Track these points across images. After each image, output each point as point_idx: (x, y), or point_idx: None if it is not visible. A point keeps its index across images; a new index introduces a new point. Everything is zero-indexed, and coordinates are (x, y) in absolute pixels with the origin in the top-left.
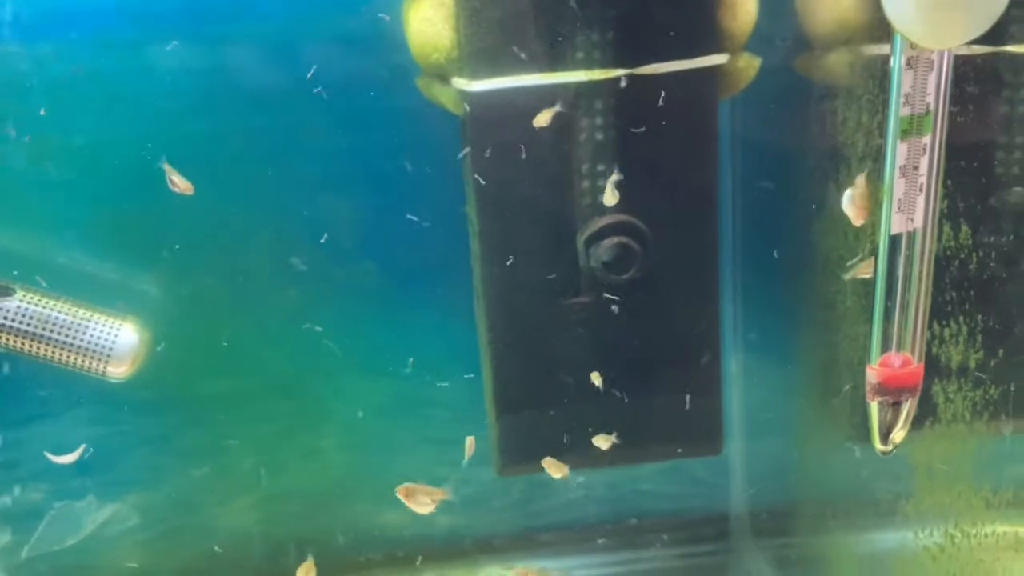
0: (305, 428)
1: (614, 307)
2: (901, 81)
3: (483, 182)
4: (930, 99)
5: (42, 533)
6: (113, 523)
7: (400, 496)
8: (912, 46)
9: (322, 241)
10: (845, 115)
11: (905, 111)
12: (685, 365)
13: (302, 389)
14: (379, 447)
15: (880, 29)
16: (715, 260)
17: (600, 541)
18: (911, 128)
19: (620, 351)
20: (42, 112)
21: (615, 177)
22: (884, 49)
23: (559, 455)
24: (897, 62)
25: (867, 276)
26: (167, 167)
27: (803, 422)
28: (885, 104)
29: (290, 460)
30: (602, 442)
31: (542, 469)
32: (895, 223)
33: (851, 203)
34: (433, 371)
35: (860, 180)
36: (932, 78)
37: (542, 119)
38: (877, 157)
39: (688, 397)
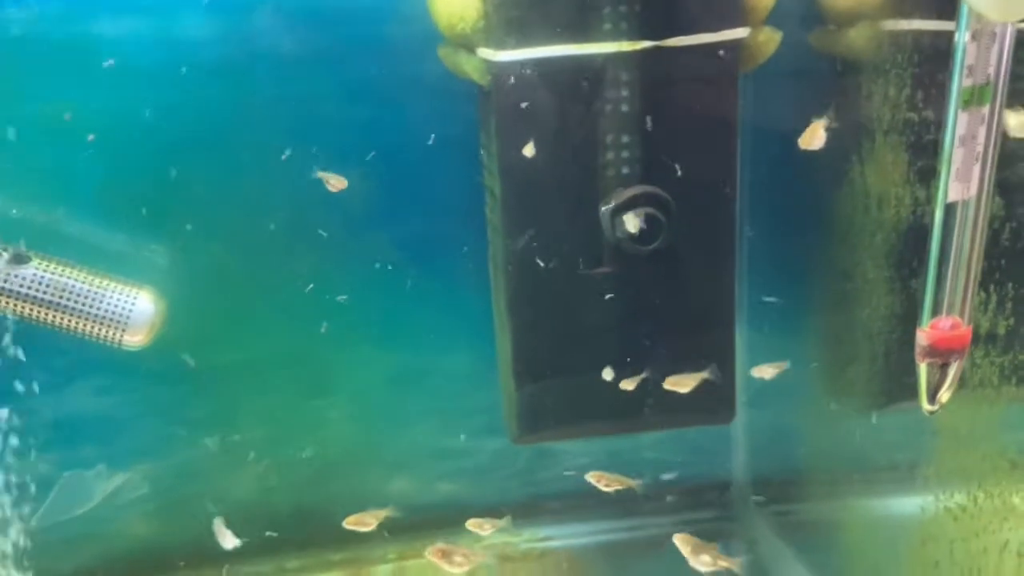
0: (314, 398)
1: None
2: (965, 53)
3: (508, 151)
4: (991, 71)
5: (52, 502)
6: (123, 492)
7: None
8: (977, 19)
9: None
10: (870, 89)
11: (967, 82)
12: (700, 335)
13: (312, 359)
14: (388, 417)
15: (902, 3)
16: (732, 231)
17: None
18: (972, 99)
19: (637, 321)
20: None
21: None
22: (912, 24)
23: (575, 424)
24: (962, 34)
25: None
26: (322, 174)
27: (813, 391)
28: (916, 77)
29: (299, 430)
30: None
31: (556, 438)
32: (952, 191)
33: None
34: (443, 342)
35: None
36: (994, 50)
37: (528, 150)
38: (904, 130)
39: (702, 367)
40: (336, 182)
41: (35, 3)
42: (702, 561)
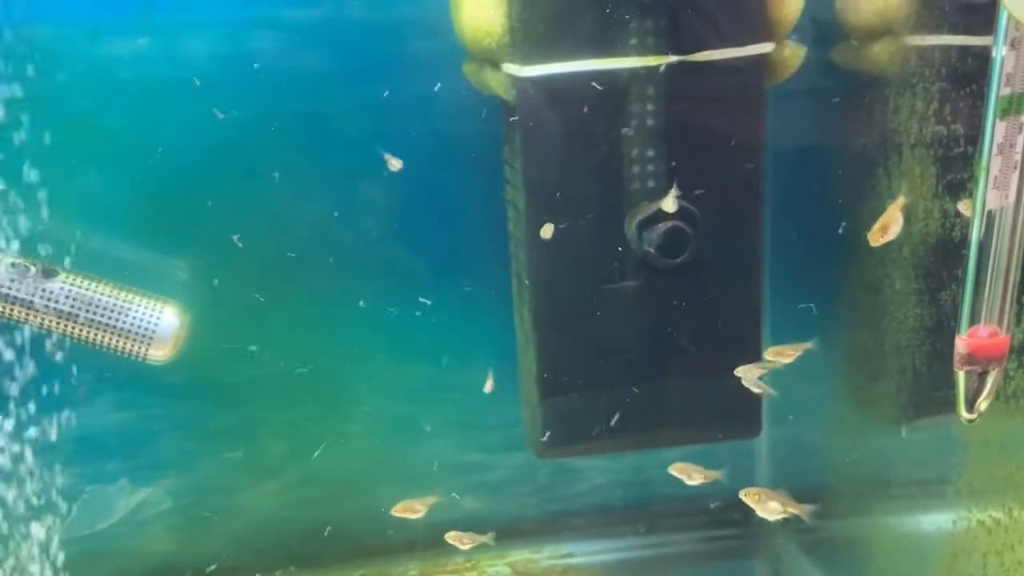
0: (335, 412)
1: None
2: (1004, 61)
3: (532, 166)
4: None
5: (75, 517)
6: (145, 507)
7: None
8: (1016, 27)
9: (336, 215)
10: (897, 103)
11: (1005, 91)
12: (726, 350)
13: (332, 374)
14: (408, 432)
15: (927, 18)
16: (759, 245)
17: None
18: (1010, 107)
19: (663, 335)
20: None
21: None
22: (939, 39)
23: (601, 439)
24: (1000, 43)
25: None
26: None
27: (839, 405)
28: (944, 91)
29: (320, 444)
30: None
31: (582, 453)
32: (991, 199)
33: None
34: (464, 356)
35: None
36: None
37: (546, 232)
38: (931, 143)
39: (729, 382)
40: (395, 162)
41: (61, 21)
42: (770, 509)
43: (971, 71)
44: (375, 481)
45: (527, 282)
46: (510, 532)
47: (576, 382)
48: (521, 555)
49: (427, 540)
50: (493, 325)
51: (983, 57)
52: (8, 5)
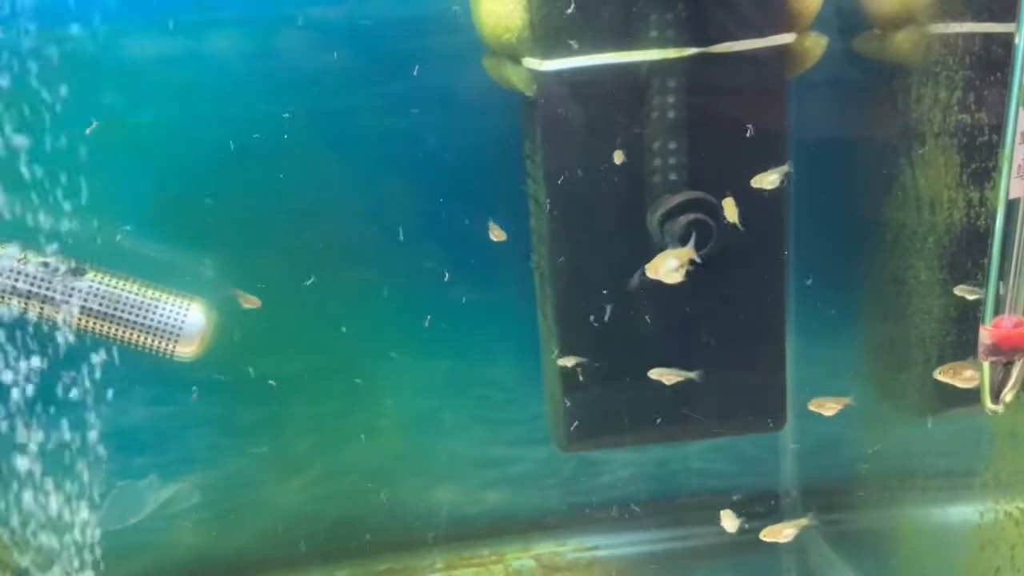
0: (361, 408)
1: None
2: None
3: (553, 160)
4: None
5: (105, 512)
6: (175, 502)
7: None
8: None
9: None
10: (920, 92)
11: None
12: (751, 342)
13: (358, 369)
14: (433, 426)
15: (951, 6)
16: (782, 237)
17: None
18: None
19: (687, 328)
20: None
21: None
22: (962, 27)
23: (625, 432)
24: (1021, 32)
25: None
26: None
27: (864, 397)
28: (968, 79)
29: (347, 439)
30: None
31: (605, 446)
32: (1014, 188)
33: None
34: (488, 351)
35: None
36: None
37: (618, 158)
38: (955, 132)
39: (754, 374)
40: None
41: (90, 21)
42: (967, 378)
43: (995, 59)
44: (401, 475)
45: (549, 276)
46: (535, 525)
47: (599, 375)
48: (546, 548)
49: (452, 534)
50: (517, 320)
51: (1007, 45)
52: (38, 7)
